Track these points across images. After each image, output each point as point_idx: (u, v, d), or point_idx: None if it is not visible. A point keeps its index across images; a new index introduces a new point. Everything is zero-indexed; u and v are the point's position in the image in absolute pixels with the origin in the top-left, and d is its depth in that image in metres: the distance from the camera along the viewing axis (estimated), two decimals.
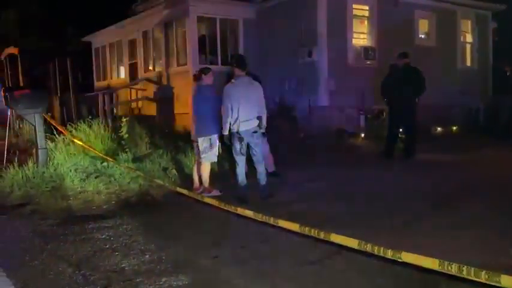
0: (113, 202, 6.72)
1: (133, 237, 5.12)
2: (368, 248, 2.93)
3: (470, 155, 9.84)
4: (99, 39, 18.93)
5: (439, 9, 14.79)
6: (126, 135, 8.72)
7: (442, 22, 14.93)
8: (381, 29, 13.42)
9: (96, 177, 7.49)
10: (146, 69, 16.21)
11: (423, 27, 14.82)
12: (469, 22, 15.94)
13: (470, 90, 15.14)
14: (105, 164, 8.03)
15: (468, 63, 16.10)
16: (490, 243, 4.23)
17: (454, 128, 13.95)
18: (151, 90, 15.30)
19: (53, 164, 7.73)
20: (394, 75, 9.43)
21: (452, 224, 4.88)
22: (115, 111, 14.98)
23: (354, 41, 13.17)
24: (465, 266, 2.45)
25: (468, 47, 16.10)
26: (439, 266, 2.54)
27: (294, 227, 3.46)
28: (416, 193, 6.44)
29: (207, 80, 6.86)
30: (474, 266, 2.49)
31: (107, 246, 4.81)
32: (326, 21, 12.52)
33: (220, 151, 6.93)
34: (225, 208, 4.28)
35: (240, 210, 4.06)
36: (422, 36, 14.86)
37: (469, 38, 16.06)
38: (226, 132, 6.47)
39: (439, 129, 13.61)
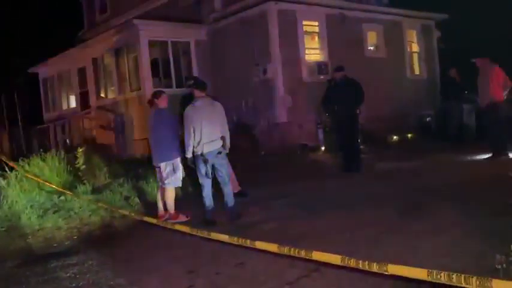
0: (75, 237, 6.41)
1: (101, 272, 4.86)
2: (352, 263, 2.85)
3: (426, 160, 10.05)
4: (47, 69, 18.39)
5: (385, 21, 15.25)
6: (83, 166, 8.40)
7: (390, 33, 15.40)
8: (331, 43, 13.67)
9: (54, 213, 7.17)
10: (98, 97, 15.82)
11: (372, 40, 15.23)
12: (414, 32, 16.51)
13: (421, 98, 15.60)
14: (62, 197, 7.70)
15: (417, 72, 16.63)
16: (466, 246, 4.25)
17: (409, 135, 14.29)
18: (105, 118, 14.93)
19: (6, 202, 7.32)
20: (333, 89, 9.36)
21: (425, 230, 4.89)
22: (68, 142, 14.49)
23: (307, 57, 13.35)
24: (455, 274, 2.41)
25: (415, 56, 16.65)
26: (428, 276, 2.49)
27: (272, 247, 3.35)
28: (383, 202, 6.46)
29: (161, 103, 6.71)
30: (456, 271, 2.46)
31: (73, 285, 4.54)
32: (278, 39, 12.65)
33: (183, 175, 6.74)
34: (198, 234, 4.11)
35: (214, 235, 3.92)
36: (372, 48, 15.26)
37: (415, 47, 16.62)
38: (189, 155, 6.33)
39: (394, 137, 13.89)
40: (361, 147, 11.42)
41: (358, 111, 9.13)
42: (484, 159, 9.16)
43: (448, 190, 6.77)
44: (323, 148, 12.19)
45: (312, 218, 6.09)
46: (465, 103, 12.27)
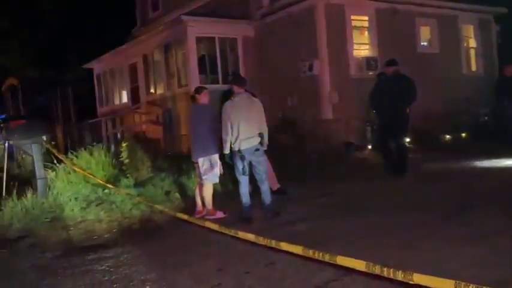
0: (115, 230, 6.53)
1: (134, 266, 4.91)
2: (377, 269, 2.69)
3: (478, 162, 9.53)
4: (100, 65, 18.96)
5: (439, 15, 14.63)
6: (127, 160, 8.56)
7: (444, 28, 14.75)
8: (381, 38, 13.27)
9: (97, 205, 7.35)
10: (148, 92, 16.15)
11: (425, 35, 14.64)
12: (472, 27, 15.75)
13: (477, 96, 14.86)
14: (106, 191, 7.87)
15: (473, 69, 15.87)
16: (507, 255, 3.97)
17: (463, 135, 13.65)
18: (154, 113, 15.21)
19: (52, 194, 7.56)
20: (383, 84, 8.84)
21: (467, 237, 4.62)
22: (119, 136, 14.88)
23: (355, 52, 13.02)
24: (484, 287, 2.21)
25: (472, 52, 15.88)
26: (455, 287, 2.30)
27: (297, 249, 3.25)
28: (427, 205, 6.18)
29: (202, 99, 6.72)
30: (490, 283, 2.26)
31: (106, 278, 4.60)
32: (326, 34, 12.39)
33: (222, 171, 6.71)
34: (225, 232, 4.06)
35: (241, 234, 3.85)
36: (425, 43, 14.68)
37: (472, 43, 15.85)
38: (227, 151, 6.29)
39: (447, 137, 13.32)
40: (409, 146, 11.04)
41: (408, 110, 8.56)
42: None
43: (497, 196, 6.38)
44: (370, 147, 11.85)
45: (350, 219, 5.90)
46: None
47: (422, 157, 10.92)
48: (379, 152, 9.04)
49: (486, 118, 15.44)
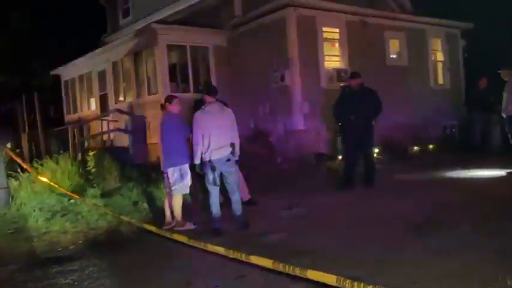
0: (80, 242, 6.34)
1: (100, 280, 4.76)
2: (347, 284, 2.65)
3: (445, 173, 9.69)
4: (68, 71, 18.57)
5: (408, 28, 14.92)
6: (94, 170, 8.35)
7: (413, 41, 15.04)
8: (352, 50, 13.42)
9: (62, 216, 7.14)
10: (117, 100, 15.87)
11: (394, 47, 14.89)
12: (439, 41, 16.10)
13: (444, 108, 15.20)
14: (72, 201, 7.65)
15: (440, 82, 16.21)
16: (478, 268, 3.99)
17: (431, 146, 13.90)
18: (123, 121, 14.94)
19: (15, 204, 7.31)
20: (349, 97, 8.63)
21: (436, 250, 4.64)
22: (86, 144, 14.54)
23: (326, 64, 13.11)
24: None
25: (440, 65, 16.24)
26: None
27: (267, 263, 3.18)
28: (396, 217, 6.21)
29: (173, 108, 6.63)
30: None
31: None
32: (297, 45, 12.45)
33: (191, 182, 6.60)
34: (194, 245, 3.97)
35: (211, 247, 3.76)
36: (394, 56, 14.92)
37: (439, 56, 16.20)
38: (197, 162, 6.20)
39: (415, 148, 13.53)
40: (378, 157, 11.18)
41: (374, 122, 8.54)
42: (508, 173, 8.78)
43: (465, 206, 6.48)
44: (340, 157, 11.90)
45: (320, 231, 5.88)
46: (491, 114, 11.80)
47: (391, 168, 11.05)
48: (346, 164, 8.86)
49: (453, 130, 15.83)
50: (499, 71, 9.14)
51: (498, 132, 11.70)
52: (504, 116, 9.21)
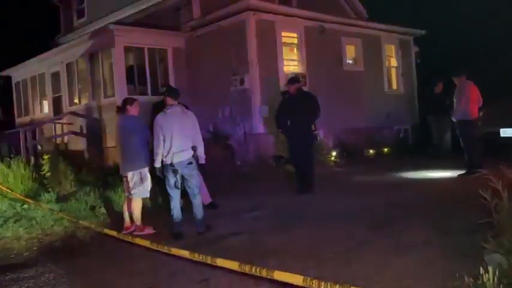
0: (35, 248, 6.12)
1: (57, 286, 4.62)
2: (314, 284, 2.68)
3: (400, 175, 9.99)
4: (20, 72, 17.95)
5: (364, 35, 15.28)
6: (49, 174, 8.09)
7: (368, 47, 15.42)
8: (310, 55, 13.61)
9: (15, 222, 6.88)
10: (71, 103, 15.46)
11: (351, 53, 15.22)
12: (393, 47, 16.58)
13: (398, 112, 15.66)
14: (26, 206, 7.38)
15: (394, 87, 16.68)
16: (435, 265, 4.13)
17: (385, 149, 14.27)
18: (78, 124, 14.57)
19: None
20: (288, 103, 8.53)
21: (395, 248, 4.76)
22: (39, 148, 14.08)
23: (285, 68, 13.23)
24: None
25: (394, 71, 16.72)
26: None
27: (234, 265, 3.17)
28: (355, 217, 6.34)
29: (133, 111, 6.51)
30: None
31: None
32: (256, 49, 12.51)
33: (151, 185, 6.50)
34: (158, 249, 3.90)
35: (175, 251, 3.71)
36: (350, 61, 15.24)
37: (394, 62, 16.69)
38: (158, 165, 6.11)
39: (371, 151, 13.85)
40: (336, 160, 11.35)
41: (313, 127, 8.43)
42: (459, 175, 9.13)
43: (420, 207, 6.69)
44: None
45: (282, 232, 5.91)
46: (445, 118, 12.22)
47: (347, 171, 11.30)
48: (295, 169, 8.77)
49: (407, 133, 16.32)
50: (453, 77, 9.48)
51: (450, 136, 12.13)
52: (454, 120, 9.56)
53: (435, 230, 5.25)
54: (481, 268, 3.14)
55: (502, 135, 10.84)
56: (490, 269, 3.08)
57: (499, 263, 3.42)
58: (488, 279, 3.04)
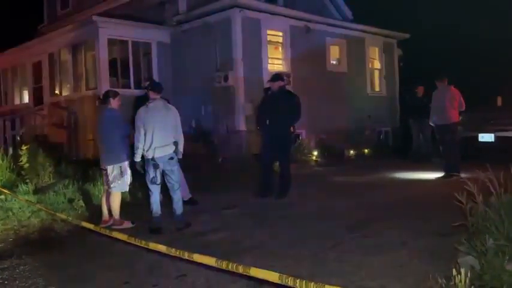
0: (10, 240, 6.03)
1: (32, 279, 4.56)
2: (290, 281, 2.70)
3: (379, 177, 10.10)
4: (1, 60, 17.64)
5: (348, 36, 15.39)
6: (27, 165, 7.98)
7: (352, 49, 15.54)
8: (294, 55, 13.66)
9: None
10: (52, 94, 15.26)
11: (334, 54, 15.32)
12: (377, 49, 16.73)
13: (380, 114, 15.81)
14: (2, 197, 7.26)
15: (377, 89, 16.84)
16: (410, 266, 4.20)
17: (366, 150, 14.40)
18: (58, 115, 14.40)
19: None
20: (268, 100, 8.11)
21: (371, 248, 4.82)
22: (18, 138, 13.88)
23: (269, 67, 13.26)
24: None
25: (376, 73, 16.86)
26: None
27: (210, 261, 3.16)
28: (333, 217, 6.40)
29: (115, 103, 6.45)
30: None
31: None
32: (241, 46, 12.51)
33: (131, 179, 6.46)
34: (135, 243, 3.89)
35: (152, 245, 3.70)
36: (334, 62, 15.34)
37: (377, 64, 16.84)
38: (138, 159, 6.09)
39: (351, 152, 13.97)
40: (317, 160, 11.38)
41: (292, 129, 7.96)
42: (437, 178, 9.27)
43: (397, 208, 6.79)
44: None
45: (262, 230, 5.94)
46: (425, 122, 12.37)
47: (328, 170, 11.38)
48: (260, 172, 8.31)
49: (388, 135, 16.49)
50: (436, 81, 9.60)
51: (429, 139, 12.30)
52: (432, 124, 9.71)
53: (412, 231, 5.33)
54: (454, 270, 3.20)
55: (480, 140, 11.06)
56: (463, 271, 3.14)
57: (472, 265, 3.49)
58: (460, 281, 3.10)
